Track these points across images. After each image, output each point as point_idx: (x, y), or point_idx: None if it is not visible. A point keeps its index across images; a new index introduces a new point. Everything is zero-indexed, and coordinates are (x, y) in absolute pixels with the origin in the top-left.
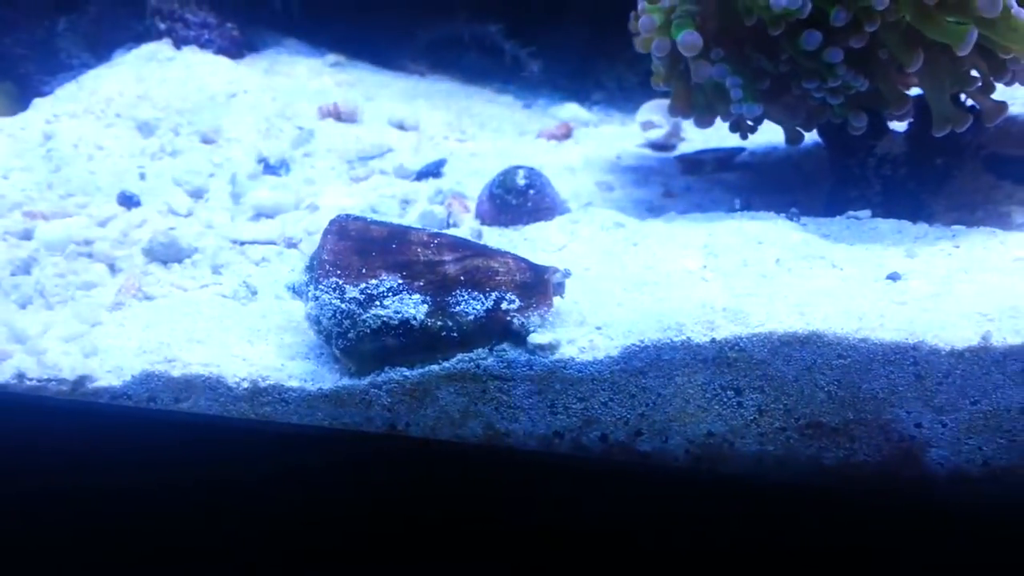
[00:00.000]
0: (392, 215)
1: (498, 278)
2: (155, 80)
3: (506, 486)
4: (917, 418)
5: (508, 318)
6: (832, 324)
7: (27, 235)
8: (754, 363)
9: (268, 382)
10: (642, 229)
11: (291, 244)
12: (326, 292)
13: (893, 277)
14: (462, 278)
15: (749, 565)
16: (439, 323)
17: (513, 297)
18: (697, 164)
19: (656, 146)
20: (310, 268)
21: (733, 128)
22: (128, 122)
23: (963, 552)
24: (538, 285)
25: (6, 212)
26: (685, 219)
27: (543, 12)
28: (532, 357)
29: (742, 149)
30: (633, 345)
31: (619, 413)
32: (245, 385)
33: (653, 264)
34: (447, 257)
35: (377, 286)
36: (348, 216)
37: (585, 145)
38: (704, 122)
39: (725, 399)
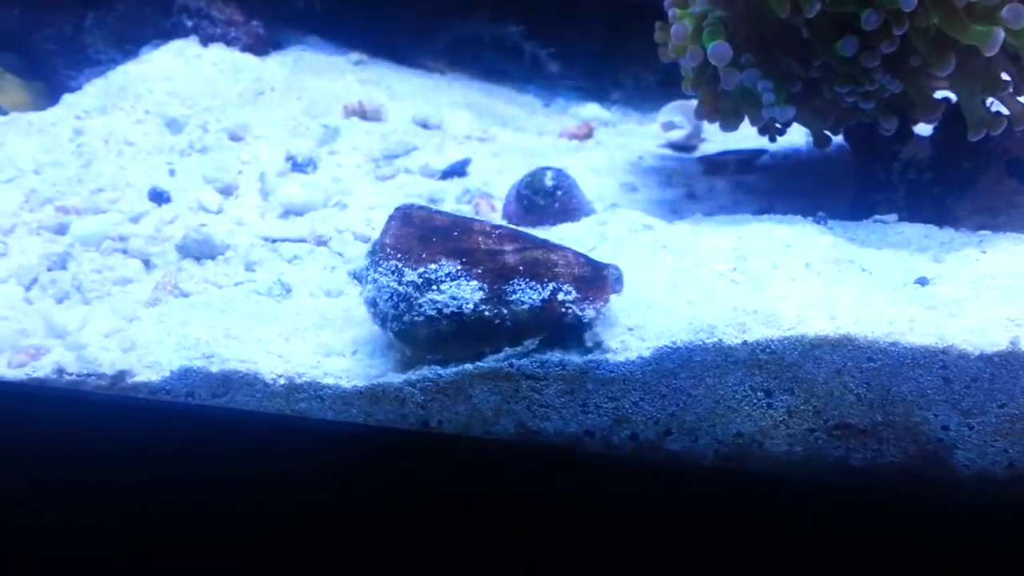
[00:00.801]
0: None
1: (557, 269)
2: (183, 77)
3: (535, 482)
4: (944, 421)
5: (563, 309)
6: (862, 328)
7: (61, 230)
8: (785, 365)
9: (304, 379)
10: (670, 231)
11: (321, 242)
12: (384, 275)
13: (921, 282)
14: (521, 268)
15: (776, 564)
16: (494, 311)
17: (570, 288)
18: (719, 166)
19: (677, 147)
20: (372, 253)
21: (762, 132)
22: (157, 118)
23: (988, 553)
24: (596, 280)
25: (38, 207)
26: (712, 221)
27: (561, 12)
28: (564, 357)
29: (764, 151)
30: (665, 347)
31: (649, 413)
32: (282, 382)
33: (683, 266)
34: (508, 247)
35: (436, 271)
36: (413, 205)
37: (606, 145)
38: (731, 126)
39: (755, 400)
